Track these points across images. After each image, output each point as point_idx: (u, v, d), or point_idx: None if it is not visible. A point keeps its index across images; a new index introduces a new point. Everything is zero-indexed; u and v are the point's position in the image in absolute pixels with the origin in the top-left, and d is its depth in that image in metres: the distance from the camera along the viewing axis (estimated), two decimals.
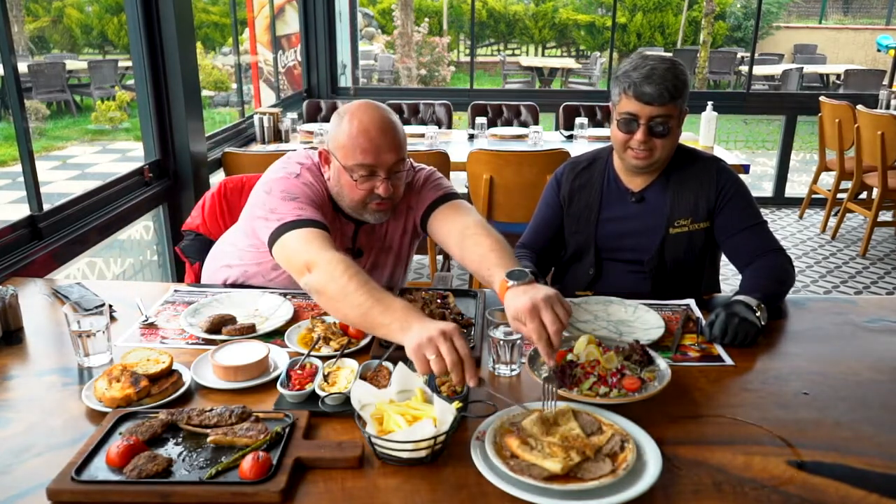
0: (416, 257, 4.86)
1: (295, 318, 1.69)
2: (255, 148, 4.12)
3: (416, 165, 1.87)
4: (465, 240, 1.64)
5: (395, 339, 1.34)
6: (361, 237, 1.84)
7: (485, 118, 4.60)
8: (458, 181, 5.15)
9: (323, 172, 1.75)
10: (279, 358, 1.48)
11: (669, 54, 1.97)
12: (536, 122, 4.95)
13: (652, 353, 1.43)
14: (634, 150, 1.85)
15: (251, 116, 4.41)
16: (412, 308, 1.37)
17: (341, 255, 1.50)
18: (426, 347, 1.25)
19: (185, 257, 2.19)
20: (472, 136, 4.43)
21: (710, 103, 4.08)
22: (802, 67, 11.91)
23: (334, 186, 1.73)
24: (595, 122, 4.86)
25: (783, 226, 5.59)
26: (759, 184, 7.13)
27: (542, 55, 18.38)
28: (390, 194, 1.67)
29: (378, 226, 1.85)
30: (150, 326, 1.67)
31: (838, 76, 12.37)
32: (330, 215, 1.75)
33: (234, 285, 1.92)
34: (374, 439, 1.13)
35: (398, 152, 1.65)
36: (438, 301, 1.69)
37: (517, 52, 18.73)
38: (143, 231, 3.32)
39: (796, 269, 1.89)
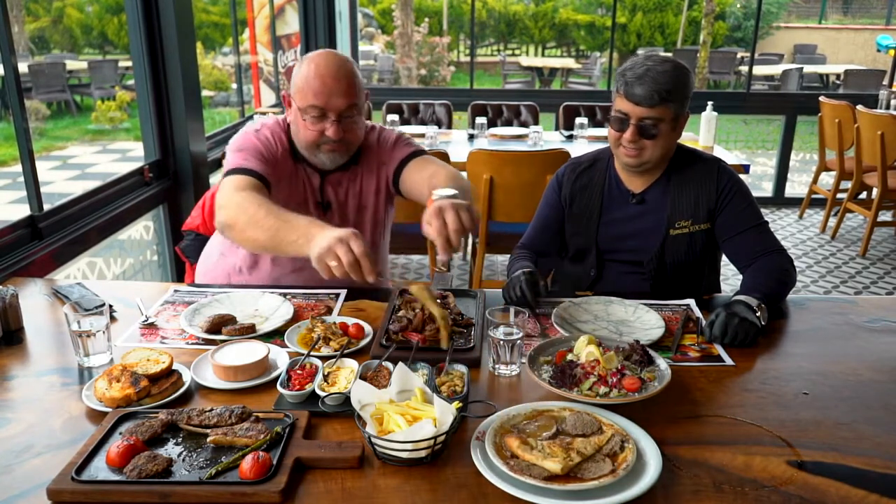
0: (415, 257, 4.87)
1: (295, 318, 1.69)
2: None
3: (388, 128, 1.97)
4: (431, 183, 1.72)
5: (304, 253, 1.45)
6: (328, 189, 1.89)
7: (485, 118, 4.60)
8: None
9: (287, 117, 1.84)
10: (279, 358, 1.48)
11: (670, 55, 1.97)
12: (536, 122, 4.96)
13: (652, 353, 1.43)
14: (625, 148, 1.86)
15: (251, 116, 4.41)
16: (316, 221, 1.50)
17: (256, 194, 1.63)
18: (327, 256, 1.38)
19: (185, 257, 2.20)
20: (472, 136, 4.44)
21: (710, 103, 4.08)
22: (802, 67, 11.91)
23: (293, 129, 1.82)
24: (595, 122, 4.86)
25: (783, 226, 5.59)
26: (759, 184, 7.13)
27: (542, 55, 18.38)
28: (340, 137, 1.75)
29: (350, 180, 1.91)
30: (150, 326, 1.67)
31: (838, 76, 12.38)
32: (290, 166, 1.85)
33: (239, 280, 1.95)
34: (374, 439, 1.13)
35: (349, 98, 1.73)
36: (438, 301, 1.69)
37: (517, 52, 18.73)
38: (143, 231, 3.31)
39: (796, 270, 1.89)
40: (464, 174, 3.59)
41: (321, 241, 1.40)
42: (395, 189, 1.92)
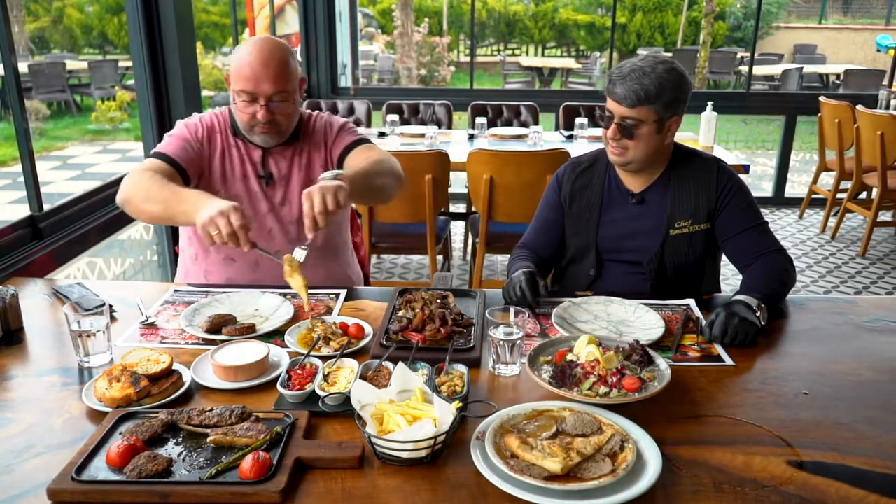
0: (415, 257, 4.86)
1: (295, 318, 1.69)
2: None
3: (333, 115, 2.10)
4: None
5: (193, 222, 1.59)
6: (270, 162, 1.99)
7: (485, 118, 4.59)
8: (458, 181, 5.17)
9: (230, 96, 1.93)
10: (279, 358, 1.48)
11: (670, 56, 1.98)
12: (536, 122, 4.95)
13: (652, 353, 1.43)
14: (610, 146, 1.88)
15: None
16: (203, 193, 1.66)
17: (152, 172, 1.77)
18: (209, 226, 1.53)
19: None
20: (472, 136, 4.43)
21: (710, 103, 4.07)
22: (802, 67, 11.90)
23: (232, 107, 1.93)
24: (595, 123, 4.85)
25: (783, 226, 5.59)
26: (759, 184, 7.13)
27: (542, 55, 18.37)
28: (270, 120, 1.86)
29: (296, 154, 2.00)
30: (150, 326, 1.67)
31: (838, 76, 12.37)
32: (227, 142, 1.97)
33: (196, 267, 2.01)
34: (374, 439, 1.13)
35: (277, 84, 1.83)
36: (438, 301, 1.69)
37: (517, 52, 18.72)
38: (143, 231, 3.32)
39: (796, 270, 1.89)
40: (464, 174, 3.62)
41: (206, 211, 1.55)
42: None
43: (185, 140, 1.92)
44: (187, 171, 1.89)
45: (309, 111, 2.08)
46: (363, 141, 2.03)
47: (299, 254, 1.67)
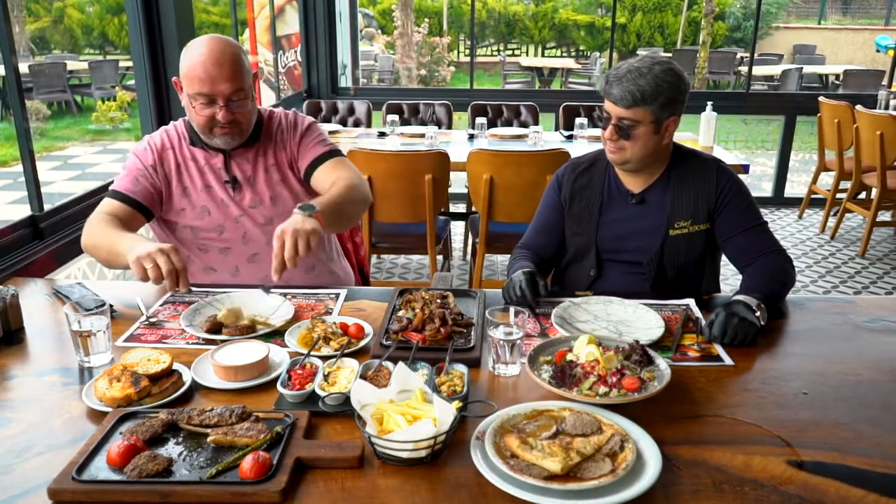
0: (415, 257, 4.87)
1: (295, 318, 1.69)
2: None
3: (299, 113, 2.07)
4: (329, 190, 1.86)
5: (128, 261, 1.58)
6: (234, 166, 1.97)
7: (485, 118, 4.59)
8: (458, 181, 5.17)
9: (181, 101, 1.91)
10: (279, 358, 1.49)
11: (668, 56, 1.99)
12: (536, 122, 4.95)
13: (652, 353, 1.43)
14: (608, 146, 1.89)
15: None
16: (141, 238, 1.69)
17: (105, 214, 1.82)
18: (144, 259, 1.53)
19: None
20: (472, 136, 4.43)
21: (709, 103, 4.08)
22: (802, 68, 11.90)
23: (187, 113, 1.91)
24: (595, 123, 4.86)
25: (783, 226, 5.60)
26: (759, 184, 7.14)
27: (542, 55, 18.38)
28: (230, 120, 1.84)
29: (260, 154, 1.98)
30: (150, 326, 1.67)
31: (837, 76, 12.38)
32: (184, 154, 1.96)
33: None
34: (374, 439, 1.14)
35: (234, 83, 1.80)
36: (438, 301, 1.69)
37: (517, 52, 18.73)
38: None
39: (796, 269, 1.89)
40: (464, 174, 3.62)
41: (143, 247, 1.56)
42: (306, 182, 2.01)
43: (136, 170, 1.92)
44: (144, 204, 1.90)
45: (269, 109, 2.05)
46: (333, 154, 1.99)
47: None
